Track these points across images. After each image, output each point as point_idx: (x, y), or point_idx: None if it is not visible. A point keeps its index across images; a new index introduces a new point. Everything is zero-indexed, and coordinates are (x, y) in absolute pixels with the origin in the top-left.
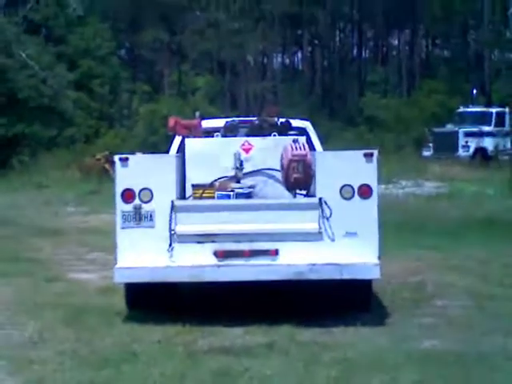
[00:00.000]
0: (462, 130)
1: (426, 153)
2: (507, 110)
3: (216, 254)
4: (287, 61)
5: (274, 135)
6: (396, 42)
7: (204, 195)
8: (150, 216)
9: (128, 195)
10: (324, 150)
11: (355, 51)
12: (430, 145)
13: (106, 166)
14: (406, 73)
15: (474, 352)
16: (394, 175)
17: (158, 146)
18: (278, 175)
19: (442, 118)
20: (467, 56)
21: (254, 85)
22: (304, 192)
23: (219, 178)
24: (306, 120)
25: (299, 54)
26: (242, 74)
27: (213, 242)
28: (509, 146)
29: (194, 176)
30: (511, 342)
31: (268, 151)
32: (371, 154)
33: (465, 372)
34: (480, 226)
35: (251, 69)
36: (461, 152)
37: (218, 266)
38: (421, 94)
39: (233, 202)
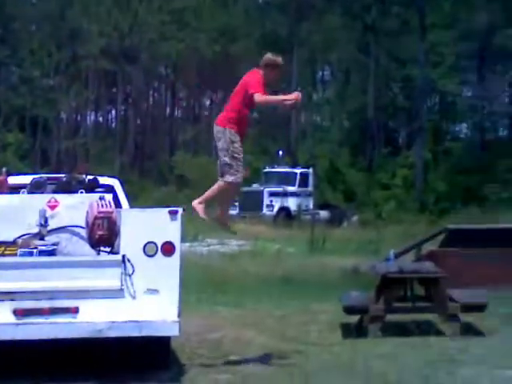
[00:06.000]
0: (266, 190)
1: (232, 211)
2: (311, 170)
3: (15, 312)
4: (101, 119)
5: (81, 192)
6: (208, 102)
7: (6, 253)
8: None
9: None
10: (133, 207)
11: (168, 110)
12: (236, 203)
13: None
14: None
15: None
16: (201, 233)
17: None
18: (83, 232)
19: (249, 178)
20: (275, 117)
21: (67, 142)
22: (108, 249)
23: (23, 235)
24: (115, 178)
25: (113, 112)
26: (54, 130)
27: (12, 300)
28: (311, 205)
29: None
30: None
31: (74, 208)
32: (176, 212)
33: None
34: (280, 283)
35: (64, 126)
36: (265, 211)
37: (17, 325)
38: None
39: (35, 259)
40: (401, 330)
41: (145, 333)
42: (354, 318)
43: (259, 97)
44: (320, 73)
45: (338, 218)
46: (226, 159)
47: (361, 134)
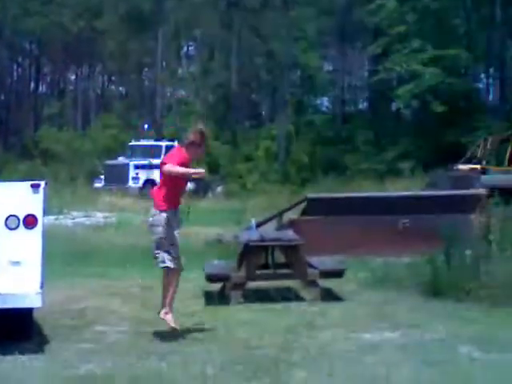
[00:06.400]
0: (132, 163)
1: (98, 184)
2: (176, 143)
3: None
4: None
5: None
6: (73, 77)
7: None
8: None
9: None
10: None
11: (32, 85)
12: (102, 176)
13: None
14: (82, 107)
15: (129, 375)
16: (66, 206)
17: None
18: None
19: (115, 151)
20: (141, 92)
21: None
22: None
23: None
24: None
25: None
26: None
27: None
28: None
29: None
30: (166, 364)
31: None
32: (38, 185)
33: None
34: (145, 253)
35: None
36: (131, 183)
37: None
38: (95, 128)
39: None
40: (262, 297)
41: (7, 305)
42: (217, 286)
43: (168, 167)
44: (185, 48)
45: (203, 190)
46: (165, 247)
47: (225, 108)
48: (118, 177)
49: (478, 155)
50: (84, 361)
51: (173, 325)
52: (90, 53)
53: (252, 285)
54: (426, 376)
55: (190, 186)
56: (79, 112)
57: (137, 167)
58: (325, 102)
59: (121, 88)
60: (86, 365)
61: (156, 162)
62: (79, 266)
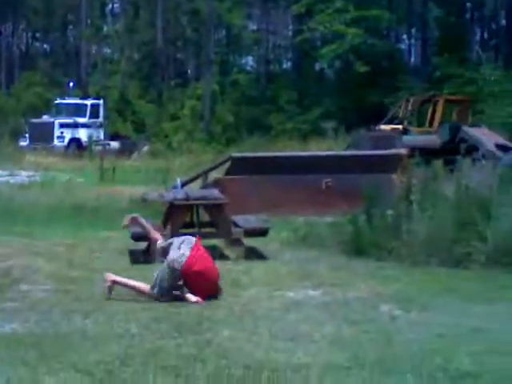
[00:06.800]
0: (57, 121)
1: (23, 143)
2: (101, 102)
3: None
4: None
5: None
6: None
7: None
8: None
9: None
10: None
11: None
12: (27, 135)
13: None
14: (6, 64)
15: (53, 333)
16: None
17: None
18: None
19: (40, 109)
20: (66, 50)
21: None
22: None
23: None
24: None
25: None
26: None
27: None
28: (102, 136)
29: None
30: (90, 322)
31: None
32: None
33: (42, 352)
34: (70, 212)
35: None
36: (56, 142)
37: None
38: (20, 86)
39: None
40: None
41: None
42: (143, 245)
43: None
44: (110, 5)
45: (129, 149)
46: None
47: (150, 66)
48: (43, 135)
49: (400, 116)
50: (8, 320)
51: (107, 292)
52: (14, 9)
53: None
54: (348, 334)
55: (115, 145)
56: (3, 70)
57: (62, 126)
58: (249, 61)
59: (45, 45)
60: (10, 324)
61: (82, 120)
62: (3, 225)
